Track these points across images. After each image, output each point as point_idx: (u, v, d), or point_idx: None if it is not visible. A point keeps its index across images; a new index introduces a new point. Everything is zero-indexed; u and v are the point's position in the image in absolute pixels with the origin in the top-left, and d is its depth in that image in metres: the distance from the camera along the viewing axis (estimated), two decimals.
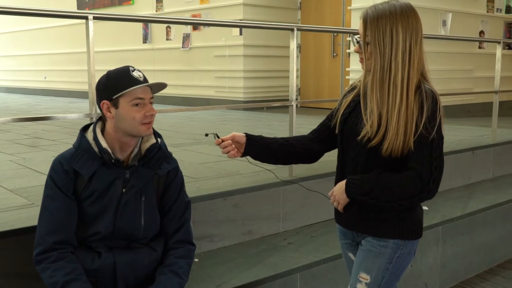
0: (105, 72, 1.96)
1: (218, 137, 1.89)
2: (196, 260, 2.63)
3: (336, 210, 1.93)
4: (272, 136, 2.01)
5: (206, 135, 1.95)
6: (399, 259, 1.80)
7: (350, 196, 1.75)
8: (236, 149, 1.90)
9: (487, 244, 3.97)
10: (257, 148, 1.93)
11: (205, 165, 3.76)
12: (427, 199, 1.68)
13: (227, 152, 1.89)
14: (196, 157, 4.07)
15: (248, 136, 1.92)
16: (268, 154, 1.96)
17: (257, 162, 2.01)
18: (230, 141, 1.89)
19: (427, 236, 3.43)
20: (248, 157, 1.96)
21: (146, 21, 9.07)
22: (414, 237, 1.81)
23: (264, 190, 3.09)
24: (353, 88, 1.90)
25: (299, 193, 3.26)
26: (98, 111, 1.99)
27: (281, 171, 3.33)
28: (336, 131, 1.89)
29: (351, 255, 1.99)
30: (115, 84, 1.89)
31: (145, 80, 1.93)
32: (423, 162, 1.65)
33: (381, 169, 1.72)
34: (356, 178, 1.74)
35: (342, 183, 1.77)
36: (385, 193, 1.68)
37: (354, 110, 1.82)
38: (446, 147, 4.45)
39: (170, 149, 2.11)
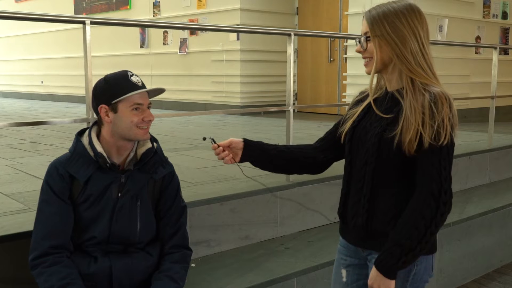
0: (102, 77, 1.96)
1: (215, 142, 1.85)
2: (192, 265, 2.62)
3: (341, 221, 1.84)
4: (274, 142, 1.95)
5: (204, 139, 1.93)
6: (416, 276, 1.67)
7: (393, 274, 1.58)
8: (230, 155, 1.84)
9: (484, 249, 3.98)
10: (255, 154, 1.86)
11: (202, 170, 3.76)
12: (447, 212, 1.55)
13: (222, 159, 1.84)
14: (193, 162, 4.07)
15: (246, 142, 1.86)
16: (266, 161, 1.89)
17: (256, 171, 1.95)
18: (221, 148, 1.84)
19: None
20: (244, 168, 1.91)
21: (143, 26, 9.07)
22: (428, 251, 1.67)
23: (261, 195, 3.09)
24: (366, 95, 1.79)
25: (296, 198, 3.26)
26: (95, 115, 1.99)
27: (279, 176, 3.33)
28: (342, 141, 1.80)
29: (344, 272, 1.86)
30: (114, 89, 1.89)
31: (143, 85, 1.93)
32: (432, 174, 1.54)
33: (388, 185, 1.64)
34: (383, 256, 1.58)
35: (374, 274, 1.60)
36: (414, 235, 1.53)
37: (363, 119, 1.74)
38: None
39: (167, 153, 2.11)
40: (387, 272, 1.57)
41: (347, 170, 1.79)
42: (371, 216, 1.68)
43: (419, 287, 1.71)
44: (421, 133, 1.54)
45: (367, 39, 1.66)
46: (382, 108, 1.68)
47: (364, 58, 1.71)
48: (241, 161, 1.87)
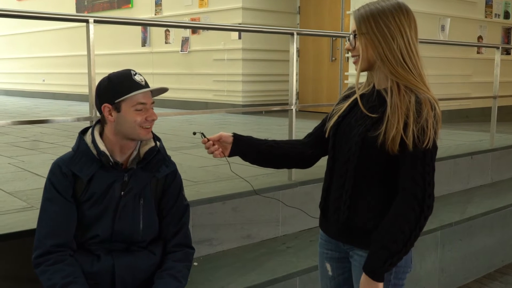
0: (104, 75, 1.96)
1: (205, 136, 1.87)
2: (195, 264, 2.63)
3: (322, 215, 1.87)
4: (270, 138, 1.96)
5: (194, 133, 1.94)
6: (398, 269, 1.71)
7: (381, 277, 1.60)
8: (220, 149, 1.86)
9: (485, 249, 3.98)
10: (244, 148, 1.87)
11: (204, 168, 3.76)
12: (429, 215, 1.59)
13: (212, 153, 1.86)
14: (195, 161, 4.07)
15: (235, 136, 1.87)
16: (255, 156, 1.89)
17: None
18: (211, 142, 1.85)
19: (425, 241, 3.43)
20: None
21: (146, 25, 9.07)
22: None
23: (263, 194, 3.09)
24: (354, 91, 1.80)
25: (298, 197, 3.26)
26: (98, 114, 1.99)
27: (280, 175, 3.34)
28: (326, 135, 1.82)
29: (328, 265, 1.90)
30: (117, 88, 1.89)
31: (147, 85, 1.93)
32: (416, 178, 1.57)
33: (370, 184, 1.66)
34: (370, 260, 1.61)
35: (363, 279, 1.63)
36: (400, 239, 1.57)
37: (348, 114, 1.76)
38: (444, 152, 4.47)
39: (169, 152, 2.11)
40: (375, 275, 1.60)
41: (329, 165, 1.81)
42: (353, 213, 1.70)
43: (402, 278, 1.76)
44: (403, 135, 1.56)
45: (355, 37, 1.68)
46: (368, 106, 1.69)
47: (353, 56, 1.73)
48: (231, 155, 1.89)
